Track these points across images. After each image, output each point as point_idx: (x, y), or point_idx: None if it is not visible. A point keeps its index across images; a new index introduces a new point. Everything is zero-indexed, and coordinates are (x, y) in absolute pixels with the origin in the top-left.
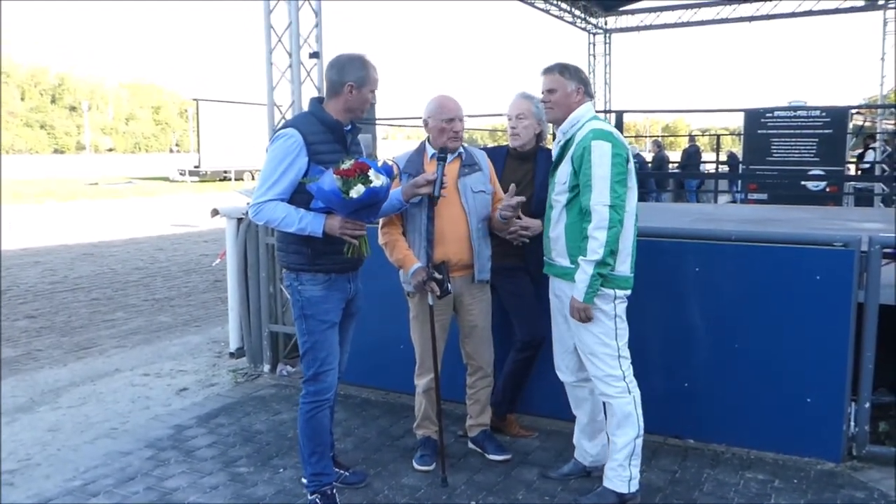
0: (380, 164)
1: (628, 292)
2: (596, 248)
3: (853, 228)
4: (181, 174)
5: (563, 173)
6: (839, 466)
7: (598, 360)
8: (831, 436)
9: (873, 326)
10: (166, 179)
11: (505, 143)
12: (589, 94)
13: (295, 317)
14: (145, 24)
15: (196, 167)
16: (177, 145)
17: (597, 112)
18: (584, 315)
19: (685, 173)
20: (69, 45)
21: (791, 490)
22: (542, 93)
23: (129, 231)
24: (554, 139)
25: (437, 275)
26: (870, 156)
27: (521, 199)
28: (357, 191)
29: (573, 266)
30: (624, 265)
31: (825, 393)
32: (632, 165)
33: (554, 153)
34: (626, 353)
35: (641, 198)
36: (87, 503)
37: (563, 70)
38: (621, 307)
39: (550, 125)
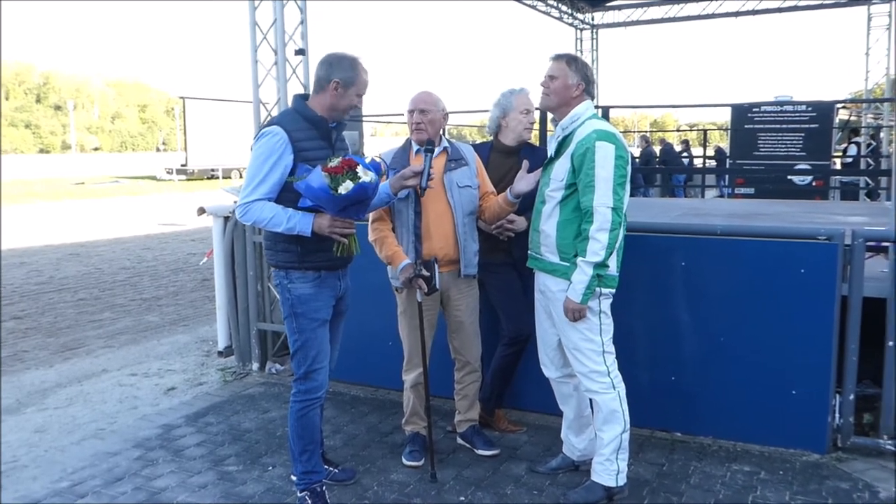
0: (367, 160)
1: (613, 290)
2: (598, 249)
3: (837, 222)
4: (168, 173)
5: (561, 170)
6: (824, 458)
7: (582, 356)
8: (816, 427)
9: (857, 319)
10: (153, 178)
11: (489, 140)
12: (589, 94)
13: (285, 315)
14: (130, 21)
15: (183, 166)
16: (163, 144)
17: None
18: (578, 315)
19: (671, 168)
20: (54, 44)
21: (777, 482)
22: (546, 77)
23: (115, 231)
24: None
25: (424, 272)
26: (852, 150)
27: (539, 171)
28: (346, 187)
29: (563, 263)
30: (611, 263)
31: (810, 385)
32: (629, 168)
33: (551, 148)
34: (611, 348)
35: (629, 193)
36: None
37: (572, 61)
38: (606, 303)
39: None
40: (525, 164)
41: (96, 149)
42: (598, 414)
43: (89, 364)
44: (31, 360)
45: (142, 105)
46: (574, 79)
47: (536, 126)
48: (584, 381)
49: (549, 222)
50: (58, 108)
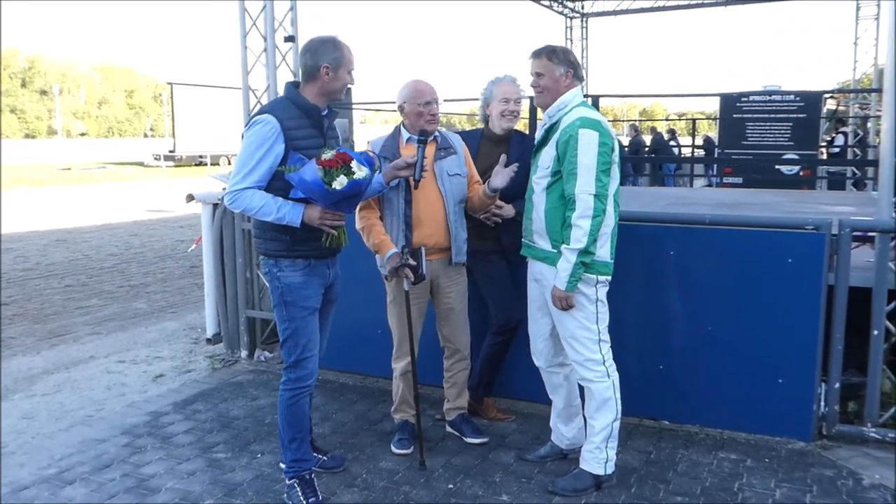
0: (361, 154)
1: (609, 277)
2: (580, 236)
3: (824, 212)
4: (156, 159)
5: (547, 157)
6: (809, 445)
7: (578, 344)
8: (802, 416)
9: (843, 308)
10: (141, 164)
11: (480, 127)
12: (578, 78)
13: (274, 304)
14: (118, 5)
15: (171, 152)
16: (151, 130)
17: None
18: (565, 303)
19: (660, 157)
20: (39, 27)
21: (763, 469)
22: (531, 75)
23: (102, 217)
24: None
25: (411, 261)
26: (839, 140)
27: (515, 166)
28: (340, 182)
29: (554, 250)
30: (603, 250)
31: (796, 374)
32: (617, 155)
33: (538, 136)
34: (607, 336)
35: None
36: (63, 491)
37: (552, 54)
38: (602, 291)
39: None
40: (503, 158)
41: (83, 134)
42: (590, 401)
43: (76, 351)
44: (17, 347)
45: (129, 90)
46: (560, 69)
47: (526, 115)
48: (578, 369)
49: (538, 209)
50: (43, 92)
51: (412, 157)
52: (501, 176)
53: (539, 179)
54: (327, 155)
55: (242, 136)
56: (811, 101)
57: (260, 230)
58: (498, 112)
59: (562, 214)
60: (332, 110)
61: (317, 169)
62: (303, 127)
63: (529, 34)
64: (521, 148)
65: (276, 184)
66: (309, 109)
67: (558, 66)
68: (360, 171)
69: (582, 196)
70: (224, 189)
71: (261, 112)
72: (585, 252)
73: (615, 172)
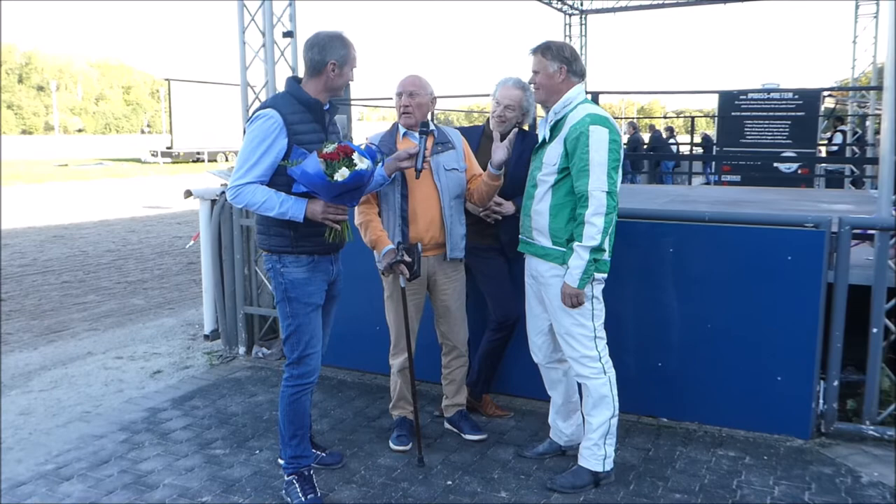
0: (362, 147)
1: (605, 275)
2: (594, 233)
3: (824, 210)
4: (153, 155)
5: (554, 154)
6: (808, 443)
7: (574, 341)
8: (801, 413)
9: (842, 306)
10: (138, 161)
11: (479, 124)
12: (574, 73)
13: (278, 300)
14: (115, 1)
15: (168, 148)
16: (148, 126)
17: None
18: (575, 301)
19: (659, 155)
20: (36, 23)
21: (761, 467)
22: (531, 72)
23: (100, 213)
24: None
25: (406, 257)
26: (838, 138)
27: (514, 132)
28: (342, 174)
29: (556, 248)
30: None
31: (795, 371)
32: (622, 152)
33: (543, 133)
34: (603, 333)
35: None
36: (60, 487)
37: (546, 51)
38: (598, 288)
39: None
40: (496, 135)
41: (80, 130)
42: (587, 398)
43: (74, 347)
44: (14, 343)
45: (126, 87)
46: (553, 66)
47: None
48: (575, 366)
49: (541, 206)
50: (40, 88)
51: (414, 148)
52: (501, 149)
53: (545, 176)
54: (329, 148)
55: (244, 132)
56: (810, 99)
57: (263, 226)
58: (491, 112)
59: (569, 211)
60: (333, 105)
61: (318, 161)
62: (305, 122)
63: (528, 31)
64: (522, 146)
65: (279, 179)
66: (311, 104)
67: (551, 62)
68: (361, 163)
69: (595, 193)
70: (224, 185)
71: (263, 107)
72: (598, 249)
73: (620, 170)
